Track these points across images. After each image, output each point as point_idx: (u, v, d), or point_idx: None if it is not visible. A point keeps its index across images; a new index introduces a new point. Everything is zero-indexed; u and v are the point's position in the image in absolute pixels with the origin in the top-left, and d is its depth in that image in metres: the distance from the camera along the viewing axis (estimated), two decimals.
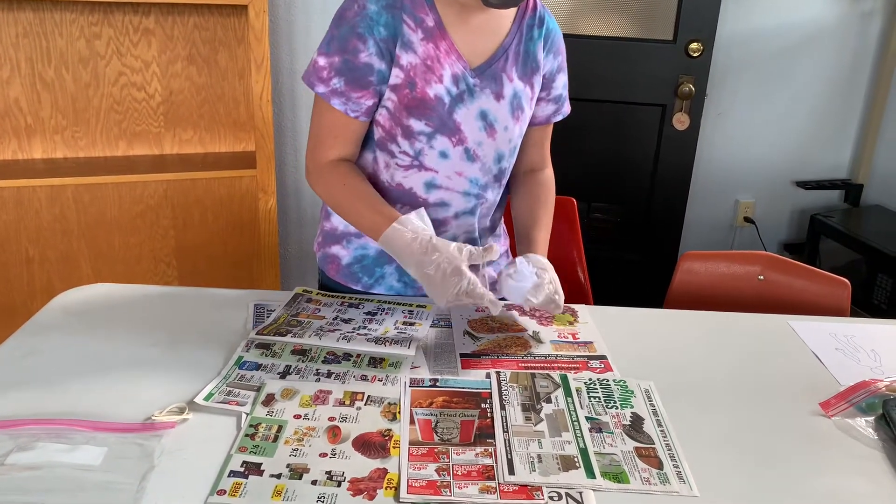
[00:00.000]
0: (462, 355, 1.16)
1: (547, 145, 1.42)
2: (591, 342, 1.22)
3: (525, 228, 1.33)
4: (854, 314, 1.48)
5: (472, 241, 1.35)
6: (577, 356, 1.17)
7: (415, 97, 1.19)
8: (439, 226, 1.29)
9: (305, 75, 1.22)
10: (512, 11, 1.25)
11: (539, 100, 1.33)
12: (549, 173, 1.43)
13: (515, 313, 1.30)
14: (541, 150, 1.41)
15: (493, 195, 1.33)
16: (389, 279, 1.35)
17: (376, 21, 1.15)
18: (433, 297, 1.12)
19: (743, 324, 1.33)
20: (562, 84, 1.35)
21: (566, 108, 1.39)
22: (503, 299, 1.23)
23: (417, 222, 1.15)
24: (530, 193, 1.37)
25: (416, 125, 1.21)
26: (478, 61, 1.22)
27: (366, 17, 1.15)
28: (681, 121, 2.62)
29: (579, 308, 1.34)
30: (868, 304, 2.52)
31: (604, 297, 1.53)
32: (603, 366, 1.15)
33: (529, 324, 1.27)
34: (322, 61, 1.19)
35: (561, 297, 1.18)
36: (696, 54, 2.55)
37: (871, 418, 1.03)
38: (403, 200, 1.28)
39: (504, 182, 1.35)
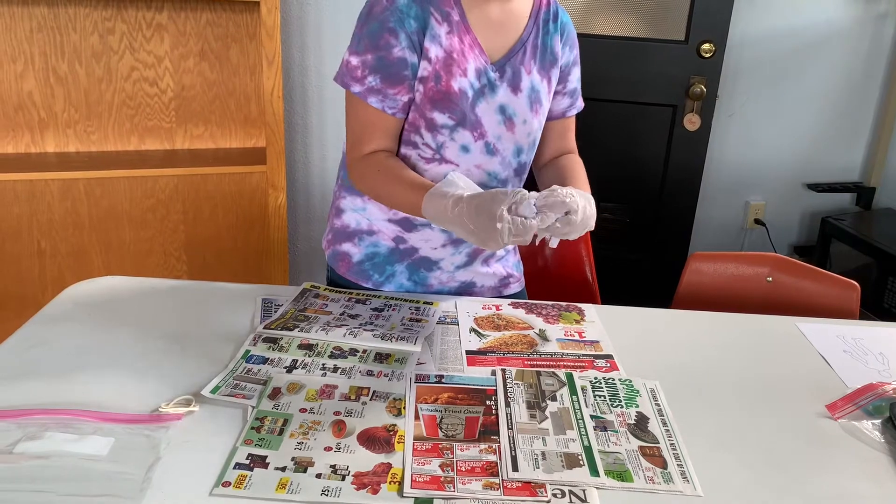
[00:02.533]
0: (468, 352, 1.16)
1: (571, 136, 1.41)
2: (598, 341, 1.22)
3: (560, 180, 1.26)
4: (864, 318, 1.47)
5: None
6: (583, 355, 1.17)
7: (440, 90, 1.19)
8: None
9: (338, 76, 1.21)
10: (527, 6, 1.26)
11: (556, 93, 1.33)
12: (577, 156, 1.39)
13: (522, 311, 1.30)
14: (564, 140, 1.40)
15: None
16: (399, 277, 1.35)
17: (406, 14, 1.16)
18: (488, 248, 1.07)
19: (750, 325, 1.32)
20: (576, 78, 1.36)
21: (580, 103, 1.39)
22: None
23: (449, 188, 1.11)
24: (557, 165, 1.34)
25: (440, 118, 1.21)
26: (497, 55, 1.23)
27: (396, 11, 1.15)
28: (692, 121, 2.61)
29: (586, 307, 1.34)
30: (879, 307, 2.51)
31: (612, 297, 1.53)
32: (609, 365, 1.15)
33: (536, 322, 1.27)
34: (354, 60, 1.18)
35: (582, 220, 1.07)
36: (707, 55, 2.54)
37: (877, 421, 1.03)
38: None
39: (524, 177, 1.35)
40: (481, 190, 1.11)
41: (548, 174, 1.36)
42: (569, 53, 1.32)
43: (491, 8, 1.22)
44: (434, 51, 1.18)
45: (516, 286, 1.44)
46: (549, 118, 1.35)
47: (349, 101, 1.23)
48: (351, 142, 1.24)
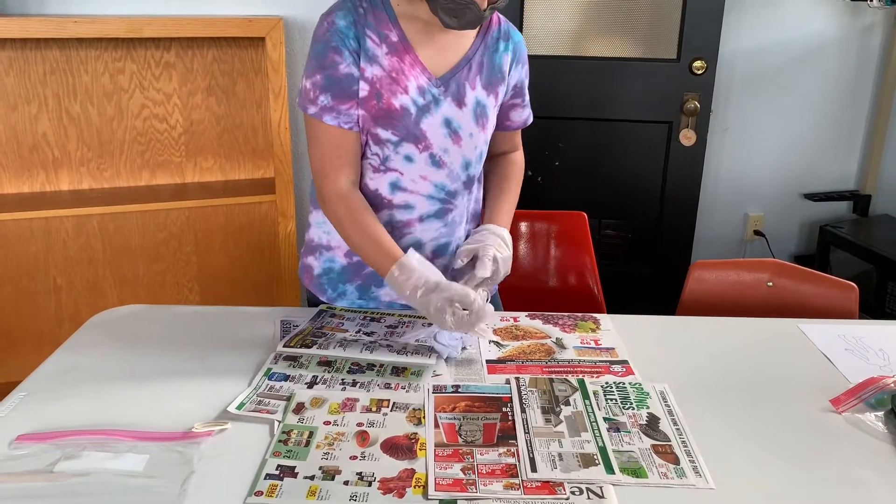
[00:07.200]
0: (488, 361, 1.21)
1: (518, 137, 1.50)
2: (613, 348, 1.26)
3: (492, 199, 1.42)
4: None
5: (443, 249, 1.37)
6: (600, 361, 1.21)
7: (381, 108, 1.24)
8: (404, 227, 1.33)
9: (299, 101, 1.28)
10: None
11: (515, 106, 1.41)
12: (519, 154, 1.51)
13: (539, 322, 1.35)
14: (511, 143, 1.49)
15: (463, 203, 1.37)
16: (350, 296, 1.41)
17: (346, 35, 1.22)
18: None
19: (754, 327, 1.36)
20: (526, 92, 1.44)
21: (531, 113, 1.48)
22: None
23: (415, 266, 1.20)
24: (500, 169, 1.46)
25: (384, 134, 1.26)
26: (441, 71, 1.28)
27: (337, 32, 1.22)
28: (687, 137, 2.67)
29: (601, 317, 1.38)
30: (880, 312, 2.54)
31: (617, 311, 1.56)
32: (625, 370, 1.19)
33: (553, 331, 1.31)
34: (308, 84, 1.25)
35: (499, 270, 1.29)
36: (700, 72, 2.60)
37: (880, 413, 1.07)
38: (368, 202, 1.32)
39: (473, 191, 1.40)
40: (436, 274, 1.21)
41: (490, 178, 1.46)
42: (521, 71, 1.39)
43: (434, 31, 1.26)
44: (372, 70, 1.23)
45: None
46: (511, 128, 1.44)
47: (309, 124, 1.29)
48: (317, 169, 1.30)
